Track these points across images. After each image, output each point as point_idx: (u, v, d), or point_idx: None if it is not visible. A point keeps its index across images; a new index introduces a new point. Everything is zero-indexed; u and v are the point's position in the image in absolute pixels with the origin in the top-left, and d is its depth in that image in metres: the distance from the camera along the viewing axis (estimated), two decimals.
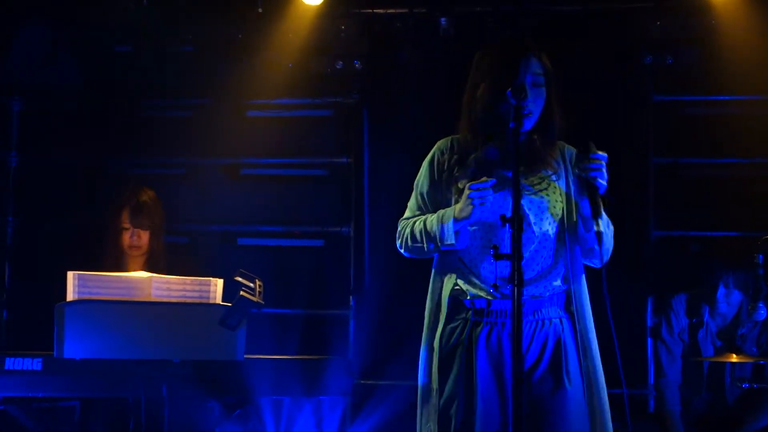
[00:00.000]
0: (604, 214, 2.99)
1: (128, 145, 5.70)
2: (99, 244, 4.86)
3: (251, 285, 3.63)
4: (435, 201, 3.18)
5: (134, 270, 4.61)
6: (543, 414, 3.00)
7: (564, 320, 3.08)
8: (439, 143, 3.25)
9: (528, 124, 3.07)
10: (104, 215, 4.89)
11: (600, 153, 2.96)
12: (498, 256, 2.80)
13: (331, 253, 5.71)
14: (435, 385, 3.06)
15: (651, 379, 5.26)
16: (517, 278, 2.72)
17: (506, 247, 2.82)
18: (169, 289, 3.71)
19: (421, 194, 3.22)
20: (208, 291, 3.74)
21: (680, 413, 4.89)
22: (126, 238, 4.72)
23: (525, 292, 2.90)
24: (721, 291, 4.75)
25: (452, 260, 3.12)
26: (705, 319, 4.83)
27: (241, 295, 3.58)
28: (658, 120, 5.45)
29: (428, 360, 3.11)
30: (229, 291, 3.70)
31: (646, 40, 5.28)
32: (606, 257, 3.03)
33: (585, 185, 2.96)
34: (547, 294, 3.08)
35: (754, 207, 5.20)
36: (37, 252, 5.56)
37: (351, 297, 5.62)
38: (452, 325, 3.09)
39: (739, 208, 5.30)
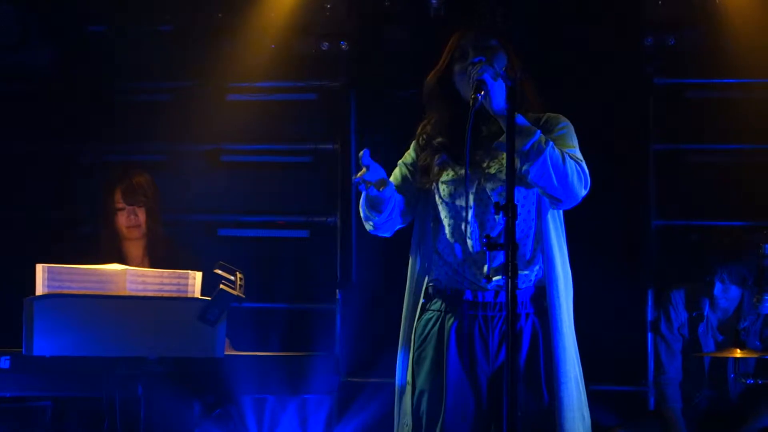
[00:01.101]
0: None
1: (102, 131, 5.64)
2: (74, 234, 4.76)
3: (232, 278, 3.59)
4: (411, 173, 3.21)
5: (135, 255, 4.69)
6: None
7: (540, 314, 3.06)
8: (420, 127, 3.32)
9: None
10: (85, 210, 4.92)
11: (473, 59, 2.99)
12: (491, 246, 2.77)
13: (317, 245, 5.68)
14: (410, 378, 3.08)
15: (651, 376, 5.23)
16: (510, 269, 2.68)
17: (473, 236, 2.92)
18: (144, 283, 3.65)
19: (400, 164, 3.27)
20: (186, 284, 3.66)
21: (681, 410, 4.82)
22: (122, 219, 4.69)
23: (497, 283, 2.98)
24: (717, 287, 4.73)
25: (425, 249, 3.13)
26: (705, 313, 4.80)
27: (221, 289, 3.53)
28: (658, 104, 5.40)
29: (405, 354, 3.13)
30: (209, 284, 3.65)
31: (646, 20, 5.22)
32: (565, 178, 2.94)
33: (474, 89, 2.92)
34: (520, 285, 3.03)
35: (760, 195, 5.18)
36: (6, 243, 5.46)
37: (337, 290, 5.58)
38: (426, 317, 3.11)
39: (743, 196, 5.27)
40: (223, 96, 5.67)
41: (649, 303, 5.32)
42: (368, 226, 3.18)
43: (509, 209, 2.68)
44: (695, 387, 4.83)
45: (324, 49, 5.40)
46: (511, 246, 2.67)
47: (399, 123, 5.41)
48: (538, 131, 2.93)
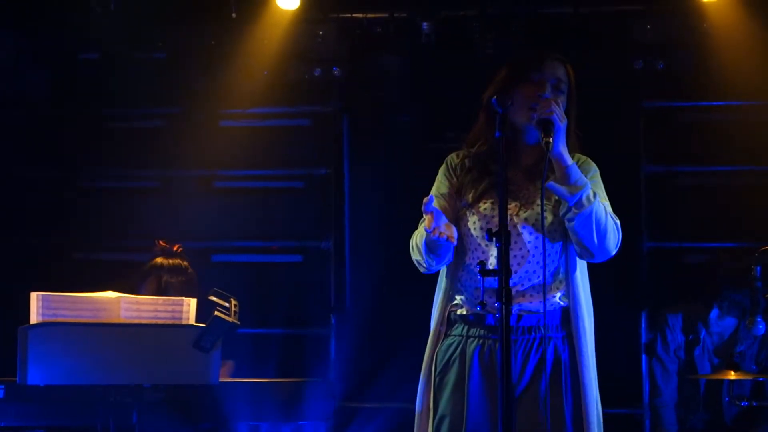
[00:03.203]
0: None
1: (96, 157, 5.64)
2: (68, 260, 4.72)
3: (226, 304, 3.55)
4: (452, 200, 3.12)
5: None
6: None
7: (563, 339, 3.04)
8: (448, 158, 3.22)
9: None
10: (78, 236, 4.76)
11: (552, 99, 2.96)
12: (484, 273, 2.77)
13: (310, 270, 5.67)
14: (431, 403, 3.05)
15: (646, 399, 5.19)
16: (504, 295, 2.68)
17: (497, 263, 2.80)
18: (139, 310, 3.61)
19: (436, 197, 3.15)
20: (181, 311, 3.62)
21: None
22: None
23: (521, 307, 2.96)
24: (714, 312, 4.70)
25: (451, 275, 3.10)
26: (701, 336, 4.75)
27: (216, 316, 3.50)
28: (649, 127, 5.42)
29: (427, 377, 3.09)
30: (203, 311, 3.61)
31: (636, 44, 5.25)
32: (598, 234, 2.93)
33: (541, 127, 2.92)
34: (542, 309, 3.00)
35: (751, 217, 5.17)
36: (1, 270, 5.44)
37: (331, 315, 5.58)
38: (448, 342, 3.08)
39: (735, 218, 5.28)
40: (217, 122, 5.68)
41: (643, 325, 5.31)
42: (421, 267, 3.10)
43: (502, 236, 2.68)
44: (690, 410, 4.82)
45: (316, 75, 5.41)
46: (504, 272, 2.66)
47: (391, 146, 5.52)
48: (588, 184, 2.92)
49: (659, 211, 5.42)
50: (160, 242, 4.50)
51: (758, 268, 4.26)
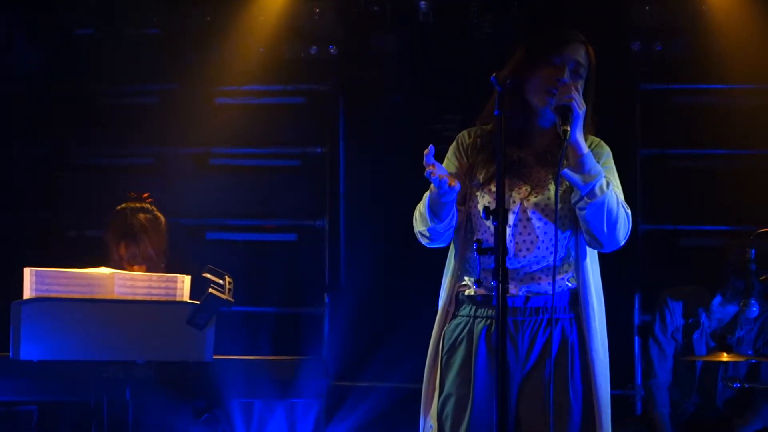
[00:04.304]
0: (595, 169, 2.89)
1: (91, 134, 5.62)
2: (60, 237, 4.70)
3: (220, 282, 3.56)
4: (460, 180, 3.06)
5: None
6: (545, 417, 2.93)
7: (571, 320, 3.02)
8: (459, 135, 3.16)
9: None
10: (72, 213, 4.75)
11: (572, 84, 2.91)
12: (481, 251, 2.76)
13: (305, 248, 5.67)
14: (437, 382, 3.05)
15: (639, 379, 5.22)
16: (501, 274, 2.65)
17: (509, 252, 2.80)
18: (133, 286, 3.61)
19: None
20: (175, 288, 3.63)
21: (669, 415, 4.80)
22: (126, 252, 4.53)
23: (529, 289, 2.95)
24: (717, 299, 4.68)
25: (460, 256, 3.08)
26: (701, 320, 4.74)
27: (210, 293, 3.50)
28: (645, 109, 5.42)
29: (434, 356, 3.09)
30: (197, 288, 3.62)
31: (633, 26, 5.23)
32: (609, 222, 2.91)
33: (560, 113, 2.88)
34: (551, 291, 2.99)
35: (745, 200, 5.17)
36: None
37: (326, 294, 5.58)
38: (455, 322, 3.07)
39: (729, 201, 5.27)
40: (212, 99, 5.66)
41: (636, 307, 5.32)
42: (424, 239, 3.07)
43: (499, 214, 2.66)
44: (685, 392, 4.80)
45: (313, 53, 5.39)
46: (501, 251, 2.64)
47: (387, 127, 5.51)
48: (602, 173, 2.90)
49: (655, 193, 5.41)
50: (131, 194, 4.53)
51: (753, 251, 4.24)
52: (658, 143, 5.45)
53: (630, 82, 5.34)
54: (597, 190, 2.87)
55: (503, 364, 2.64)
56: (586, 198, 2.88)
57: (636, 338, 5.27)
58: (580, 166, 2.86)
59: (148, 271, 4.56)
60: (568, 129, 2.83)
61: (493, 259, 2.67)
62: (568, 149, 2.86)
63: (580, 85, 2.97)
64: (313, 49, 5.37)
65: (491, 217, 2.67)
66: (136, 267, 4.53)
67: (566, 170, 2.88)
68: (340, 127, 5.63)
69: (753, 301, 4.31)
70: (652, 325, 4.87)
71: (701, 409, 4.75)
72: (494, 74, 2.72)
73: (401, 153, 5.47)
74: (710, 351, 4.72)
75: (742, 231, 4.80)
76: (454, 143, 3.13)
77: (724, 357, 4.37)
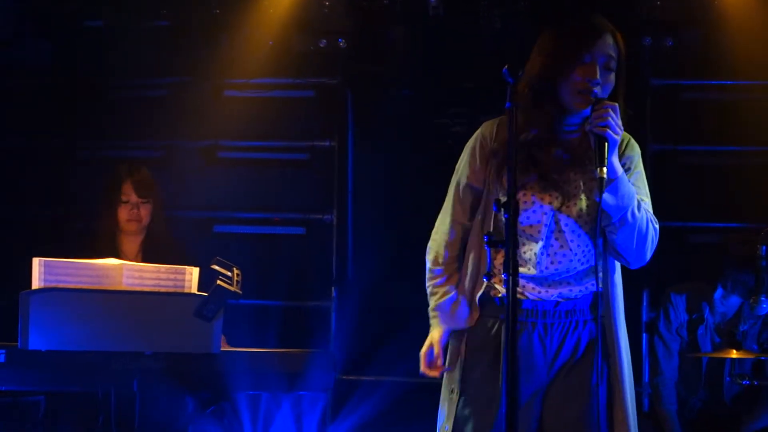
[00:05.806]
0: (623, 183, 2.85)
1: (99, 126, 5.61)
2: (69, 230, 4.68)
3: (228, 274, 3.54)
4: (473, 195, 3.04)
5: (130, 250, 4.64)
6: (570, 421, 2.95)
7: (598, 322, 2.99)
8: (482, 127, 3.08)
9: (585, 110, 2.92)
10: (77, 200, 4.83)
11: (609, 103, 2.85)
12: (492, 244, 2.70)
13: (313, 242, 5.66)
14: (456, 384, 3.03)
15: (646, 377, 5.19)
16: (512, 267, 2.61)
17: (539, 266, 2.87)
18: (141, 278, 3.60)
19: (458, 184, 3.07)
20: (183, 280, 3.62)
21: (677, 412, 4.81)
22: (123, 213, 4.65)
23: (560, 295, 2.93)
24: (719, 292, 4.69)
25: (477, 256, 3.04)
26: (705, 315, 4.74)
27: (218, 285, 3.49)
28: (656, 105, 5.39)
29: (455, 357, 3.07)
30: (206, 280, 3.61)
31: (644, 21, 5.21)
32: (637, 247, 2.91)
33: (596, 139, 2.83)
34: (579, 295, 2.99)
35: (757, 197, 5.17)
36: (2, 238, 5.43)
37: (333, 288, 5.58)
38: (482, 324, 3.03)
39: (740, 197, 5.26)
40: (221, 92, 5.65)
41: (644, 304, 5.31)
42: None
43: (510, 206, 2.61)
44: (691, 389, 4.80)
45: (322, 46, 5.38)
46: (511, 244, 2.60)
47: (396, 121, 5.50)
48: (634, 196, 2.86)
49: (664, 189, 5.27)
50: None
51: (764, 247, 4.26)
52: (668, 139, 5.43)
53: (641, 78, 5.31)
54: (628, 216, 2.85)
55: (512, 360, 2.60)
56: (617, 224, 2.86)
57: (644, 335, 5.26)
58: (612, 189, 2.82)
59: (155, 205, 4.64)
60: (605, 167, 2.75)
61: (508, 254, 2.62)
62: (603, 168, 2.77)
63: (611, 80, 2.92)
64: (323, 43, 5.36)
65: (502, 209, 2.62)
66: (143, 206, 4.62)
67: (606, 201, 2.81)
68: (349, 121, 5.63)
69: (763, 298, 4.33)
70: (657, 322, 4.88)
71: (709, 405, 4.76)
72: (506, 66, 2.64)
73: (409, 146, 5.50)
74: (716, 347, 4.72)
75: (752, 228, 4.79)
76: (475, 140, 3.06)
77: (733, 354, 4.37)
